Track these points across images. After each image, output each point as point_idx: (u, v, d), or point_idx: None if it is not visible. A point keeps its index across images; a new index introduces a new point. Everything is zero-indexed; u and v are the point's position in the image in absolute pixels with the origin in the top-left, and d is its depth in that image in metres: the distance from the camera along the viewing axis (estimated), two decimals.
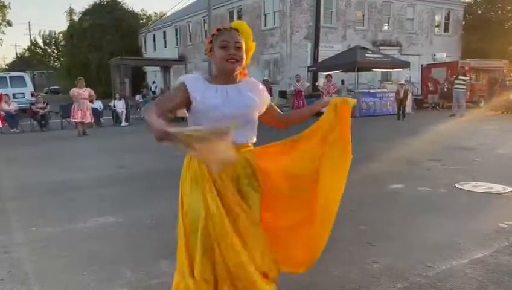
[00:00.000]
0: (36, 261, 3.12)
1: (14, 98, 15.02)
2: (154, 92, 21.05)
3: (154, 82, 29.74)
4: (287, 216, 2.01)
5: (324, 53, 18.55)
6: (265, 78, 19.67)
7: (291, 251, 2.03)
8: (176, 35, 32.97)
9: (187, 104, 1.76)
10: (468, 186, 5.07)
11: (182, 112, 1.86)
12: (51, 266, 3.04)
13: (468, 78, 16.18)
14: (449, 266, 2.90)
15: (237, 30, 1.81)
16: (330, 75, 16.18)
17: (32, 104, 14.19)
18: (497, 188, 4.96)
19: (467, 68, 17.60)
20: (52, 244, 3.44)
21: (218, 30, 1.82)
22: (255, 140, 1.89)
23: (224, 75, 1.82)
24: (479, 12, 33.38)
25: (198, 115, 1.76)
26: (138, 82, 28.60)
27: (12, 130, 12.60)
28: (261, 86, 1.96)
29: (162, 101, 1.84)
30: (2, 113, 10.37)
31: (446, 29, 28.39)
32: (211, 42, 1.84)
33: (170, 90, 1.77)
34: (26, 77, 19.53)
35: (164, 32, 34.75)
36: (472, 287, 2.62)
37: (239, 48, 1.77)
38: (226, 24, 1.86)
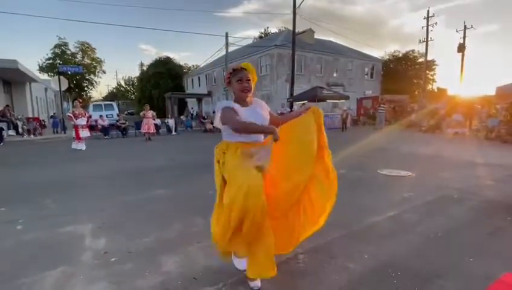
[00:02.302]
0: (120, 216, 3.13)
1: (107, 117, 15.04)
2: (192, 114, 20.94)
3: (192, 108, 29.69)
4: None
5: (297, 90, 18.51)
6: None
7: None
8: (206, 79, 32.84)
9: None
10: (386, 171, 5.10)
11: (219, 125, 1.79)
12: (129, 219, 3.04)
13: (385, 106, 16.20)
14: (374, 220, 2.92)
15: (245, 68, 1.77)
16: (304, 104, 15.83)
17: (117, 121, 14.27)
18: (402, 173, 4.99)
19: (384, 100, 17.68)
20: (129, 206, 3.45)
21: (234, 70, 1.78)
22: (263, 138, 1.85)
23: (240, 99, 1.80)
24: (391, 66, 33.61)
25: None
26: (182, 107, 28.57)
27: (105, 137, 12.64)
28: (264, 104, 1.92)
29: (233, 117, 1.68)
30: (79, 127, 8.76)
31: (371, 76, 28.38)
32: (229, 77, 1.80)
33: (226, 112, 1.63)
34: (114, 104, 19.54)
35: (199, 77, 34.64)
36: (388, 232, 2.66)
37: (249, 81, 1.76)
38: (238, 65, 1.80)
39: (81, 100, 10.16)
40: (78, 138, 8.64)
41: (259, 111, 1.79)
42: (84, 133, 8.77)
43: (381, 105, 15.86)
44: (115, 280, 1.95)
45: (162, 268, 2.08)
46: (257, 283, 1.76)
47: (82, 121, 8.69)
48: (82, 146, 8.72)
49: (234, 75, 1.77)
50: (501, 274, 1.94)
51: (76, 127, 8.61)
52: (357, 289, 1.82)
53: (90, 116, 9.49)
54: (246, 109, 1.77)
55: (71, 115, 8.70)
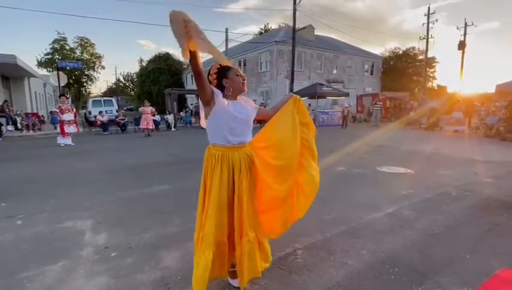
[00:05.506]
0: (119, 212, 3.14)
1: (106, 112, 15.00)
2: (191, 111, 20.81)
3: (192, 104, 29.67)
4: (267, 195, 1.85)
5: (297, 87, 18.47)
6: (262, 101, 19.99)
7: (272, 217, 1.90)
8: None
9: (210, 98, 1.61)
10: (385, 168, 5.11)
11: (204, 123, 1.72)
12: (129, 215, 3.06)
13: (381, 103, 16.05)
14: (372, 216, 2.93)
15: None
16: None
17: (116, 117, 14.21)
18: (401, 170, 5.01)
19: (382, 97, 17.65)
20: (128, 202, 3.46)
21: (226, 66, 1.75)
22: (250, 138, 1.80)
23: (235, 93, 1.74)
24: (391, 63, 33.47)
25: (216, 116, 1.64)
26: (181, 103, 28.44)
27: (105, 133, 12.61)
28: (251, 102, 1.88)
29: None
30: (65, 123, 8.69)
31: (371, 73, 28.32)
32: (216, 73, 1.76)
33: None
34: (113, 100, 19.37)
35: None
36: (386, 228, 2.67)
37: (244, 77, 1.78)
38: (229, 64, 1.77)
39: (67, 96, 10.03)
40: (63, 133, 8.55)
41: (245, 106, 1.77)
42: (71, 128, 8.69)
43: (377, 102, 15.89)
44: (115, 274, 1.97)
45: (162, 263, 2.10)
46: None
47: (68, 117, 8.62)
48: (68, 141, 8.63)
49: (230, 70, 1.75)
50: (497, 270, 1.96)
51: (62, 122, 8.53)
52: (354, 285, 1.84)
53: (76, 112, 9.41)
54: (233, 102, 1.71)
55: (57, 110, 8.61)
